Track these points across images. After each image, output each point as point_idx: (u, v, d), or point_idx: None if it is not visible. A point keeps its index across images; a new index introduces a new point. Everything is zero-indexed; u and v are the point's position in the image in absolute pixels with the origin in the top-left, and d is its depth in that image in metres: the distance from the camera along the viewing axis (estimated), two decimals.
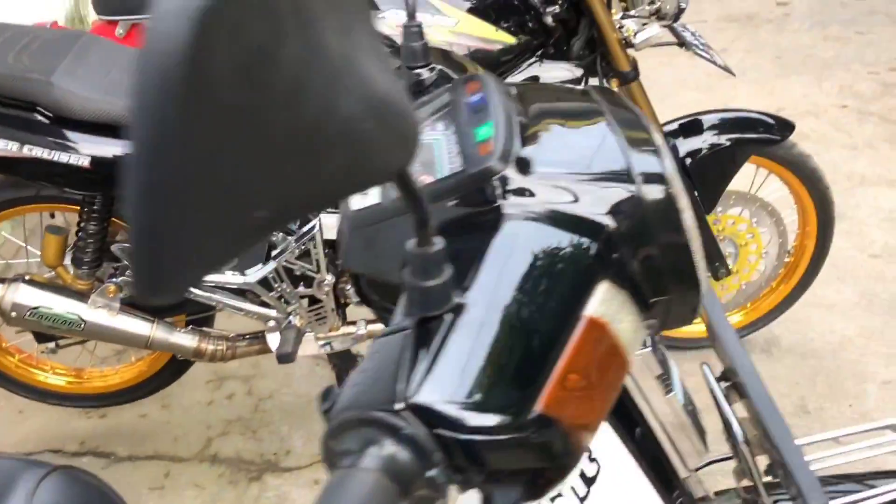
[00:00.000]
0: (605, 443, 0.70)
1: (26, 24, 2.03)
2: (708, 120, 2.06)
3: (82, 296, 1.93)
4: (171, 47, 0.29)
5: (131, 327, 1.96)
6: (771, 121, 2.05)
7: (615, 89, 1.96)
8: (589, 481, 0.67)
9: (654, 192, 0.59)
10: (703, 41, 2.07)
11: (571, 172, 0.60)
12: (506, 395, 0.48)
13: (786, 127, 2.04)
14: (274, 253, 1.97)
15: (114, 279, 1.96)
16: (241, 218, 0.34)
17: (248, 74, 0.31)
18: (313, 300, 2.05)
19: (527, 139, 0.62)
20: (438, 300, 0.51)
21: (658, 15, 1.91)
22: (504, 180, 0.59)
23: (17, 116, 1.74)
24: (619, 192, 0.59)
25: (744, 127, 2.05)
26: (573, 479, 0.66)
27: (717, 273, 2.17)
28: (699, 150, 2.08)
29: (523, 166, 0.60)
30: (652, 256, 0.59)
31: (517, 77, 1.84)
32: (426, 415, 0.46)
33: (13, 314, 1.86)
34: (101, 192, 1.89)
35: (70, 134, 1.76)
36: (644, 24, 1.90)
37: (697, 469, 0.80)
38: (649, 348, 0.73)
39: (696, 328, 2.32)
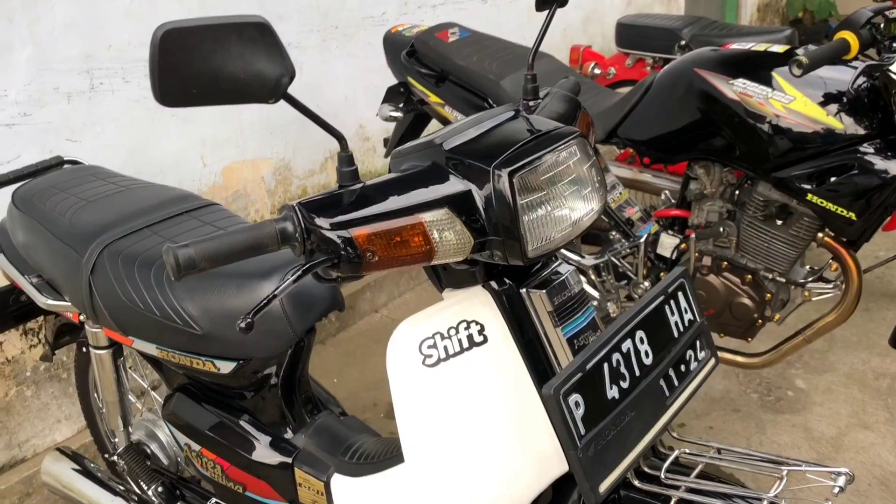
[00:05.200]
0: (498, 333, 1.14)
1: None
2: None
3: None
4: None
5: None
6: None
7: None
8: (473, 343, 1.14)
9: (502, 187, 1.04)
10: None
11: (472, 157, 1.07)
12: (345, 225, 1.01)
13: None
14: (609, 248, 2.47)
15: None
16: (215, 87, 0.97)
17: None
18: (630, 297, 2.50)
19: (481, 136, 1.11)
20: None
21: None
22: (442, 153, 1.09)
23: (473, 101, 2.57)
24: (484, 176, 1.05)
25: None
26: (462, 334, 1.14)
27: None
28: None
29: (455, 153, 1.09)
30: (493, 215, 1.05)
31: (830, 158, 1.99)
32: (304, 212, 1.02)
33: None
34: None
35: None
36: None
37: None
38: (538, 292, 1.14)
39: None
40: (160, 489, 1.77)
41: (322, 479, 1.46)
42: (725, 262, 2.33)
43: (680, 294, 1.21)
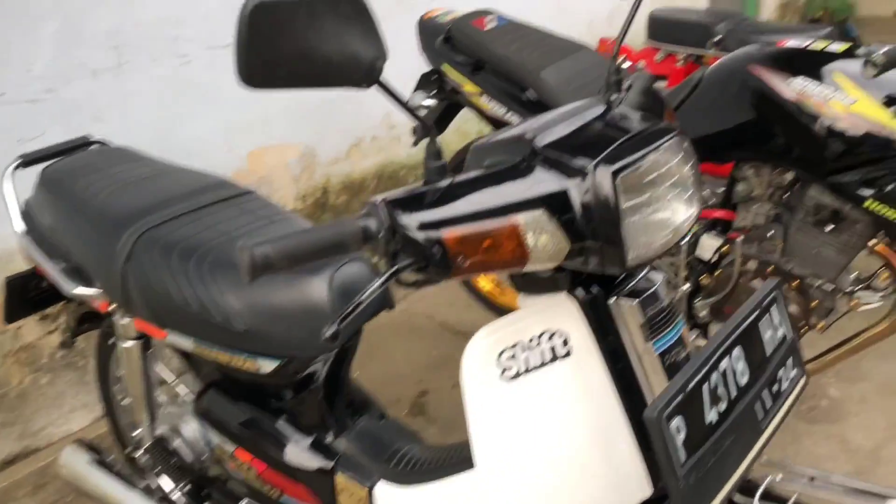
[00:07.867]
0: (583, 346, 1.06)
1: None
2: None
3: None
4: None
5: None
6: None
7: None
8: (556, 356, 1.05)
9: (604, 188, 0.95)
10: None
11: (569, 157, 0.99)
12: (431, 228, 0.93)
13: None
14: None
15: None
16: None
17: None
18: None
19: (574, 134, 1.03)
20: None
21: None
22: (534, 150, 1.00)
23: (511, 92, 2.48)
24: (583, 175, 0.97)
25: None
26: (544, 346, 1.05)
27: None
28: None
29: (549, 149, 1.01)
30: (593, 217, 0.96)
31: (891, 162, 1.91)
32: (389, 209, 0.93)
33: None
34: None
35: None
36: None
37: None
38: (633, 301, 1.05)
39: None
40: (187, 487, 1.69)
41: (366, 486, 1.38)
42: (771, 267, 2.25)
43: (774, 308, 1.13)
